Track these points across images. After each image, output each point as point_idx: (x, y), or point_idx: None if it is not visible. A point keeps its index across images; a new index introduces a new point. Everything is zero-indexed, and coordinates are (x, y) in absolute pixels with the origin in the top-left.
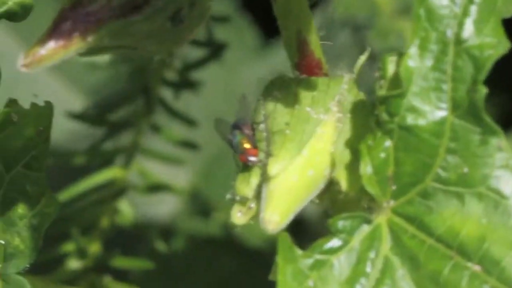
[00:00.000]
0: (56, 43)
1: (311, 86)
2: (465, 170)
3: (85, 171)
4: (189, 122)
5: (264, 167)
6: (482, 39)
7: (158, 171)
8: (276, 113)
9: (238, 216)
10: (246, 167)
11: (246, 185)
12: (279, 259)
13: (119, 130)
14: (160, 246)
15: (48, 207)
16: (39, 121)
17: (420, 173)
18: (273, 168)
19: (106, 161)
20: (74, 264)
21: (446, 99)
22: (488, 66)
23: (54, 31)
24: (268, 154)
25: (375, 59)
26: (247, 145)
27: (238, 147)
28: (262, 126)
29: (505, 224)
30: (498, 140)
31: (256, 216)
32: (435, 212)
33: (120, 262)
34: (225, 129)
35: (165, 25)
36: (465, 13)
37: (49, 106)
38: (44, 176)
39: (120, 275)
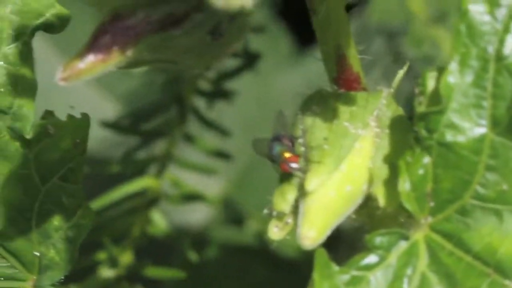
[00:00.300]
0: (95, 57)
1: (349, 101)
2: (504, 187)
3: (118, 180)
4: (222, 131)
5: (301, 182)
6: None
7: (191, 180)
8: (315, 127)
9: (275, 231)
10: (284, 181)
11: (283, 200)
12: (316, 275)
13: (152, 139)
14: (192, 255)
15: (84, 218)
16: (76, 133)
17: (458, 190)
18: (311, 183)
19: (139, 170)
20: (106, 273)
21: (485, 116)
22: None
23: (93, 45)
24: (306, 169)
25: (410, 67)
26: (287, 154)
27: (279, 157)
28: (300, 140)
29: None
30: None
31: (293, 231)
32: (473, 229)
33: (152, 271)
34: (263, 146)
35: (205, 39)
36: (506, 29)
37: (86, 118)
38: (81, 188)
39: (152, 285)
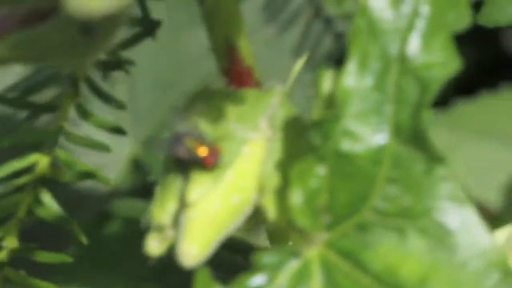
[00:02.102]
0: None
1: (238, 99)
2: (407, 201)
3: (4, 158)
4: (118, 104)
5: (182, 192)
6: (429, 57)
7: (85, 158)
8: (199, 129)
9: (154, 245)
10: (164, 189)
11: (163, 211)
12: None
13: (43, 113)
14: (83, 239)
15: None
16: None
17: (356, 204)
18: (192, 193)
19: (28, 145)
20: None
21: (387, 123)
22: (436, 88)
23: None
24: (187, 177)
25: (329, 24)
26: (203, 147)
27: (193, 153)
28: None
29: (450, 262)
30: (444, 169)
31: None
32: (372, 247)
33: (40, 256)
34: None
35: (74, 35)
36: (410, 27)
37: None
38: None
39: (39, 270)
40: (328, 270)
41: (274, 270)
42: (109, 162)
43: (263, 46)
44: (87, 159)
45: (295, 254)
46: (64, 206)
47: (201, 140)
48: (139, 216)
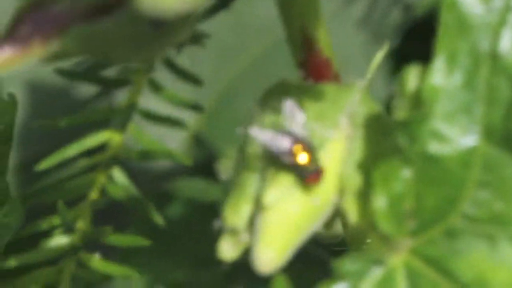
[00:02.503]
0: (14, 49)
1: (317, 95)
2: (499, 207)
3: (74, 135)
4: (194, 80)
5: (258, 193)
6: None
7: (158, 134)
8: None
9: (227, 250)
10: (237, 189)
11: (236, 214)
12: None
13: (114, 88)
14: (157, 219)
15: (9, 216)
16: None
17: (444, 209)
18: (269, 195)
19: (98, 123)
20: (59, 240)
21: (477, 124)
22: None
23: (11, 36)
24: (263, 178)
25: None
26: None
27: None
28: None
29: None
30: None
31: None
32: (461, 256)
33: (113, 238)
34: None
35: (143, 29)
36: (502, 21)
37: (12, 100)
38: (5, 181)
39: (112, 252)
40: (413, 278)
41: (356, 278)
42: (169, 137)
43: (328, 19)
44: (161, 134)
45: (378, 261)
46: (136, 183)
47: (310, 151)
48: (201, 196)
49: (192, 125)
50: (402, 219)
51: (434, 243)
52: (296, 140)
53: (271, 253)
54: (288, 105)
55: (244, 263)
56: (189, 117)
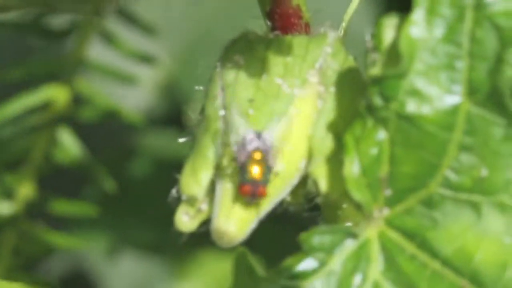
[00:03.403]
0: None
1: (284, 49)
2: (483, 172)
3: (15, 90)
4: (147, 29)
5: (219, 158)
6: (509, 2)
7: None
8: (238, 85)
9: (184, 221)
10: (196, 152)
11: (195, 181)
12: (234, 284)
13: (59, 39)
14: (109, 185)
15: None
16: None
17: (423, 176)
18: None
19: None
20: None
21: (460, 81)
22: None
23: None
24: (224, 141)
25: None
26: (257, 174)
27: (247, 171)
28: (218, 102)
29: None
30: None
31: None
32: (442, 227)
33: (59, 206)
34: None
35: None
36: None
37: None
38: None
39: (57, 221)
40: (389, 252)
41: (326, 252)
42: (138, 90)
43: None
44: (111, 90)
45: (351, 233)
46: (85, 145)
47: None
48: (170, 152)
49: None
50: (377, 186)
51: (412, 213)
52: (260, 147)
53: (233, 225)
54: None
55: None
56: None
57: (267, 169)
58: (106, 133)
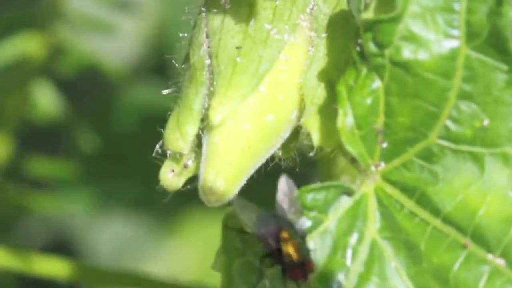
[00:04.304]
0: None
1: None
2: (485, 122)
3: None
4: None
5: (205, 111)
6: None
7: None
8: (224, 32)
9: (170, 177)
10: (180, 105)
11: (180, 135)
12: (222, 248)
13: None
14: (86, 144)
15: None
16: None
17: (421, 126)
18: (217, 112)
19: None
20: None
21: (459, 24)
22: None
23: None
24: (211, 93)
25: None
26: (295, 255)
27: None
28: (203, 50)
29: None
30: None
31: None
32: (442, 181)
33: (38, 166)
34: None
35: None
36: None
37: None
38: None
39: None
40: (387, 209)
41: (320, 211)
42: (120, 41)
43: None
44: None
45: (346, 190)
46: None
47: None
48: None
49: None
50: (372, 139)
51: (410, 167)
52: (283, 225)
53: (220, 182)
54: (283, 181)
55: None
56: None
57: (299, 243)
58: (88, 87)
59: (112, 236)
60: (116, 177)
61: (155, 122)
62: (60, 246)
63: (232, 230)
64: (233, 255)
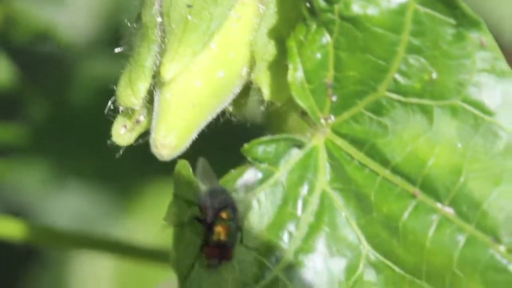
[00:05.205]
0: None
1: None
2: (434, 75)
3: None
4: None
5: (157, 68)
6: None
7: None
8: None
9: (122, 133)
10: (133, 62)
11: (132, 91)
12: (174, 200)
13: None
14: (40, 113)
15: None
16: None
17: (370, 80)
18: (168, 69)
19: None
20: None
21: None
22: None
23: None
24: (162, 50)
25: None
26: (222, 236)
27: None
28: (155, 9)
29: (488, 150)
30: (479, 35)
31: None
32: (391, 133)
33: None
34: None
35: None
36: None
37: None
38: None
39: None
40: (337, 161)
41: (271, 163)
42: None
43: None
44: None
45: (296, 142)
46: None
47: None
48: (110, 74)
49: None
50: (322, 92)
51: (359, 119)
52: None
53: (173, 136)
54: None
55: None
56: None
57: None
58: (44, 59)
59: (67, 206)
60: (70, 149)
61: (110, 94)
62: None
63: (184, 183)
64: (180, 227)
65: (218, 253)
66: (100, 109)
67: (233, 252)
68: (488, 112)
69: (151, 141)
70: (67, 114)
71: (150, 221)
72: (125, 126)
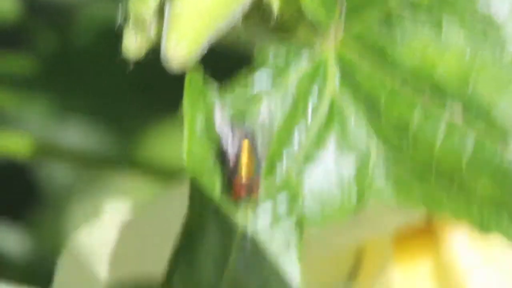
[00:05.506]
0: None
1: None
2: None
3: None
4: None
5: None
6: None
7: None
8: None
9: (133, 45)
10: None
11: (143, 2)
12: (186, 107)
13: None
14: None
15: None
16: None
17: None
18: None
19: None
20: None
21: None
22: None
23: None
24: None
25: None
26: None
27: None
28: None
29: (496, 58)
30: None
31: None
32: (401, 42)
33: None
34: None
35: None
36: None
37: None
38: None
39: None
40: (346, 70)
41: (281, 70)
42: None
43: None
44: None
45: (306, 53)
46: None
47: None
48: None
49: None
50: (332, 2)
51: (370, 29)
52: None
53: (184, 46)
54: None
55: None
56: None
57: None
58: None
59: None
60: (74, 86)
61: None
62: None
63: (196, 94)
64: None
65: (246, 190)
66: (106, 46)
67: (259, 186)
68: (497, 23)
69: (162, 51)
70: (73, 50)
71: (151, 163)
72: (135, 37)
